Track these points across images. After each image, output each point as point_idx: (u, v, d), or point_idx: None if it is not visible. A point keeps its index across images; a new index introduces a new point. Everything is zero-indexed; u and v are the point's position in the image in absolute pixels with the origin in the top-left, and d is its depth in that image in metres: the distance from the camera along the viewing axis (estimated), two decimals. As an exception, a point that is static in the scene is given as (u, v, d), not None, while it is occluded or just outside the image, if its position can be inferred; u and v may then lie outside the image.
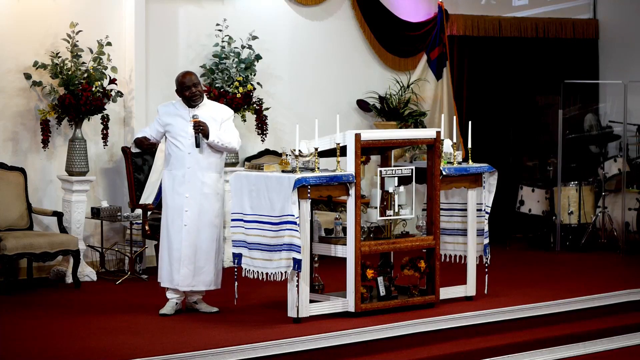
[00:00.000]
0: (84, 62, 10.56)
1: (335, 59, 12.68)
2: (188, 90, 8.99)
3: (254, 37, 11.61)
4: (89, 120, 10.65)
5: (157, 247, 10.56)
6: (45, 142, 10.48)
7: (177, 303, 9.06)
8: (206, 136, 8.91)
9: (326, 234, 9.09)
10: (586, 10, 14.55)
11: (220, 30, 11.53)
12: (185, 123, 8.97)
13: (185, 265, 8.92)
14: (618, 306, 9.77)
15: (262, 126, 11.64)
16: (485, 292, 9.63)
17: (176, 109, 9.07)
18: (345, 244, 8.81)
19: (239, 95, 11.27)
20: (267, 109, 11.68)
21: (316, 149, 8.71)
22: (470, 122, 9.63)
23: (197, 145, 8.91)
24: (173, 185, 8.98)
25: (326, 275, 9.30)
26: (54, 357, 7.57)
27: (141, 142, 9.05)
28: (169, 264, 8.96)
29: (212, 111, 9.06)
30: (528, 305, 9.32)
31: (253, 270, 8.68)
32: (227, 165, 11.40)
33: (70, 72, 10.41)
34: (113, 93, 10.67)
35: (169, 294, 9.05)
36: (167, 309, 9.02)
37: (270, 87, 12.01)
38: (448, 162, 9.38)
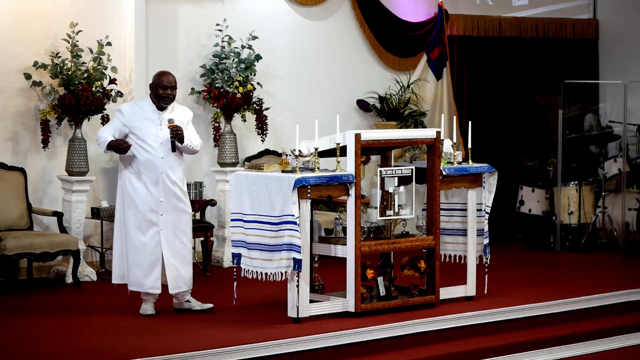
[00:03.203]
0: (84, 62, 10.56)
1: (335, 59, 12.68)
2: (163, 90, 8.91)
3: (254, 37, 11.61)
4: (89, 120, 10.66)
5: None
6: (45, 142, 10.48)
7: (154, 303, 9.05)
8: (181, 140, 8.88)
9: (326, 234, 9.09)
10: (586, 10, 14.55)
11: (220, 30, 11.53)
12: (155, 127, 8.90)
13: (169, 269, 8.91)
14: (618, 306, 9.76)
15: (262, 126, 11.64)
16: (485, 292, 9.63)
17: (143, 111, 8.96)
18: (345, 244, 8.81)
19: (239, 95, 11.27)
20: (267, 109, 11.68)
21: (316, 149, 8.71)
22: (470, 122, 9.64)
23: (174, 149, 8.88)
24: (146, 189, 8.91)
25: (326, 275, 9.30)
26: (54, 357, 7.57)
27: (119, 145, 8.84)
28: (139, 268, 8.93)
29: (177, 114, 9.01)
30: (528, 305, 9.32)
31: (252, 271, 8.69)
32: (227, 165, 11.42)
33: (70, 72, 10.42)
34: (113, 93, 10.67)
35: (145, 295, 9.03)
36: (149, 309, 8.99)
37: (270, 87, 12.01)
38: (448, 162, 9.38)
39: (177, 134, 8.82)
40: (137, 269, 8.94)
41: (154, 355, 7.47)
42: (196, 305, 9.09)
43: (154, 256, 8.90)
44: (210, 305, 9.09)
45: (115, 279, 9.13)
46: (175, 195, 8.93)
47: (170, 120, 8.85)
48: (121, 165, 9.01)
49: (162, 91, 8.92)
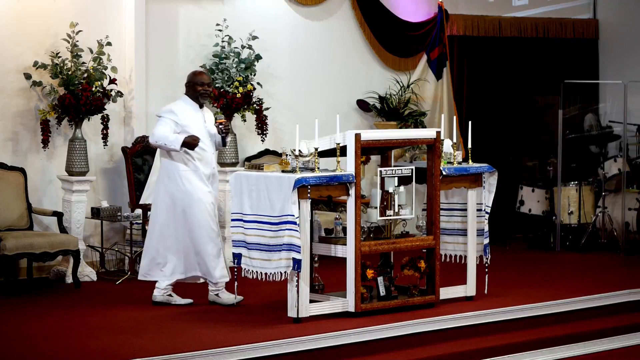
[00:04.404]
0: (84, 62, 10.56)
1: (335, 59, 12.68)
2: (202, 86, 9.24)
3: (254, 37, 11.61)
4: (89, 120, 10.65)
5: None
6: (45, 142, 10.47)
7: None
8: (228, 136, 9.37)
9: (326, 234, 9.09)
10: (586, 10, 14.55)
11: (220, 30, 11.53)
12: (202, 124, 9.22)
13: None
14: (618, 306, 9.76)
15: (262, 126, 11.63)
16: (485, 292, 9.63)
17: (189, 109, 9.25)
18: (345, 244, 8.81)
19: (239, 95, 11.26)
20: (267, 109, 11.68)
21: (316, 149, 8.71)
22: (470, 122, 9.63)
23: (224, 144, 9.35)
24: (202, 184, 9.17)
25: (326, 275, 9.30)
26: (54, 357, 7.57)
27: (193, 140, 9.06)
28: (215, 259, 9.19)
29: (208, 114, 9.44)
30: (528, 305, 9.32)
31: (252, 271, 8.69)
32: (227, 165, 11.42)
33: (70, 72, 10.41)
34: (113, 93, 10.67)
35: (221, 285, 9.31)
36: (231, 297, 9.26)
37: (270, 87, 12.01)
38: (448, 162, 9.38)
39: (228, 129, 9.23)
40: (213, 261, 9.17)
41: (154, 355, 7.47)
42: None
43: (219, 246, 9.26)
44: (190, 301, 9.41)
45: (169, 277, 9.30)
46: (216, 188, 9.39)
47: (218, 117, 9.15)
48: (171, 166, 9.17)
49: (200, 88, 9.25)
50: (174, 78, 11.44)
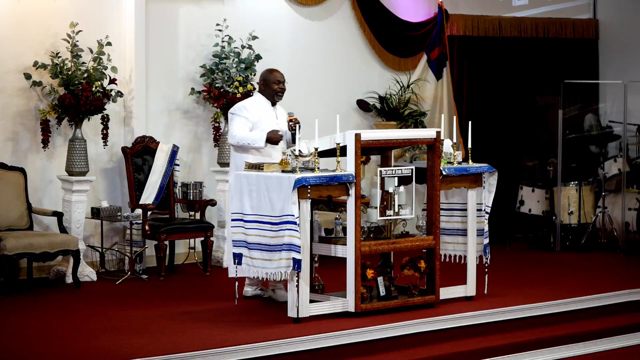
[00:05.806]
0: (84, 62, 10.56)
1: (335, 59, 12.68)
2: (278, 85, 9.34)
3: (254, 37, 11.61)
4: (89, 120, 10.65)
5: (161, 247, 10.57)
6: (45, 142, 10.48)
7: None
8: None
9: (326, 234, 9.09)
10: (586, 10, 14.55)
11: (220, 30, 11.53)
12: (273, 120, 9.31)
13: None
14: (618, 306, 9.77)
15: (262, 126, 11.63)
16: (485, 292, 9.63)
17: (261, 106, 9.32)
18: (345, 244, 8.81)
19: (239, 95, 11.26)
20: (267, 109, 11.67)
21: (316, 149, 8.71)
22: (470, 122, 9.63)
23: (294, 141, 9.23)
24: None
25: (326, 275, 9.30)
26: (54, 357, 7.57)
27: (275, 136, 9.14)
28: None
29: (282, 110, 9.55)
30: (528, 305, 9.32)
31: (253, 270, 8.69)
32: (227, 165, 11.41)
33: (70, 72, 10.41)
34: (113, 93, 10.67)
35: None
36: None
37: (270, 87, 12.00)
38: (448, 162, 9.38)
39: (298, 126, 9.20)
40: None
41: (154, 355, 7.47)
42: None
43: None
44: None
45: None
46: None
47: (290, 114, 9.25)
48: (247, 159, 9.16)
49: (277, 86, 9.38)
50: (174, 78, 11.45)
